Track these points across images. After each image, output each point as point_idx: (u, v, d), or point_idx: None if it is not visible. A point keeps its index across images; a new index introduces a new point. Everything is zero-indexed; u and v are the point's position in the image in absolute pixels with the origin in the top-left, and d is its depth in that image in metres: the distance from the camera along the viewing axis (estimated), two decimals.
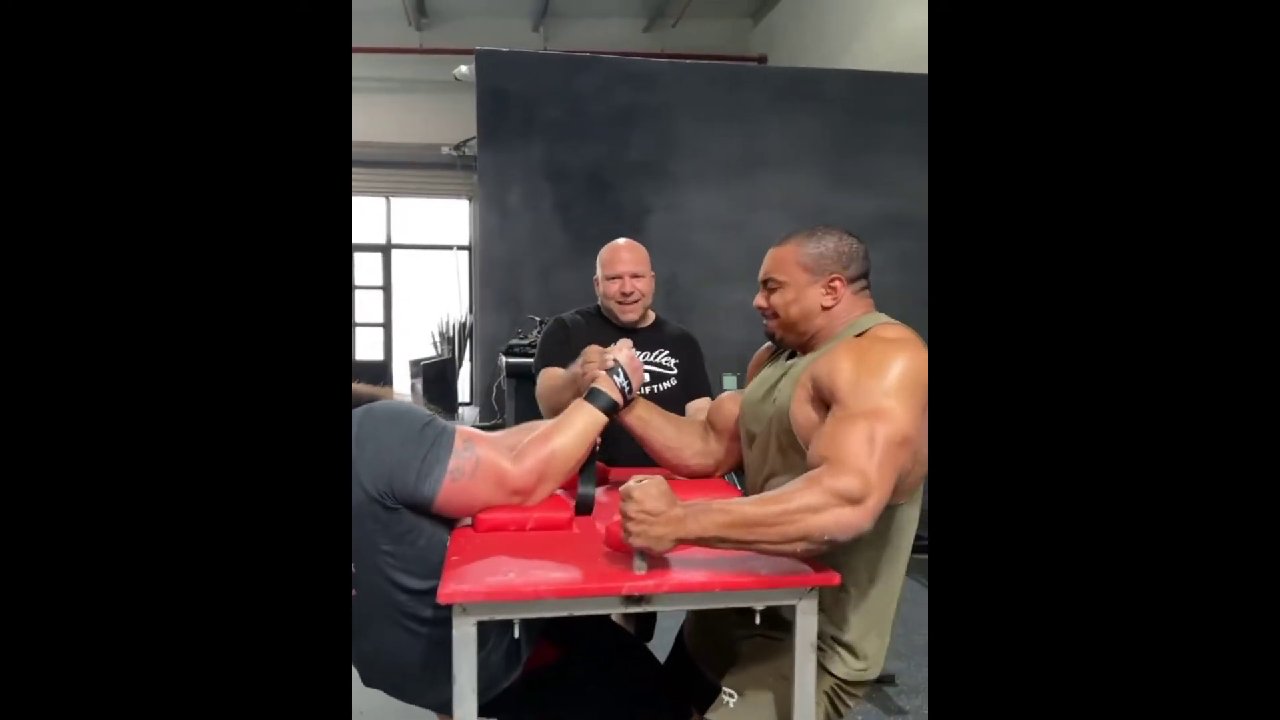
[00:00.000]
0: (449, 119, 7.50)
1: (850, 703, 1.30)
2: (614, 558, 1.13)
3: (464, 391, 8.39)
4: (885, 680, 2.62)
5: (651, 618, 2.31)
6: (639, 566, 1.07)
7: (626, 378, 1.45)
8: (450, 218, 9.29)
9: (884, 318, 1.33)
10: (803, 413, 1.25)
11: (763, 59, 8.14)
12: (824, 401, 1.22)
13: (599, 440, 1.45)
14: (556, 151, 3.95)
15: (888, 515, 1.24)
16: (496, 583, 1.03)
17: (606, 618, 1.52)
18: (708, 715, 1.25)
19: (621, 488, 1.08)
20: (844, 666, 1.27)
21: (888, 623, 1.30)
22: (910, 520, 1.29)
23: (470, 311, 8.34)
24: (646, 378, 2.05)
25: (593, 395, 1.41)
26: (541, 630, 1.33)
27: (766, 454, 1.36)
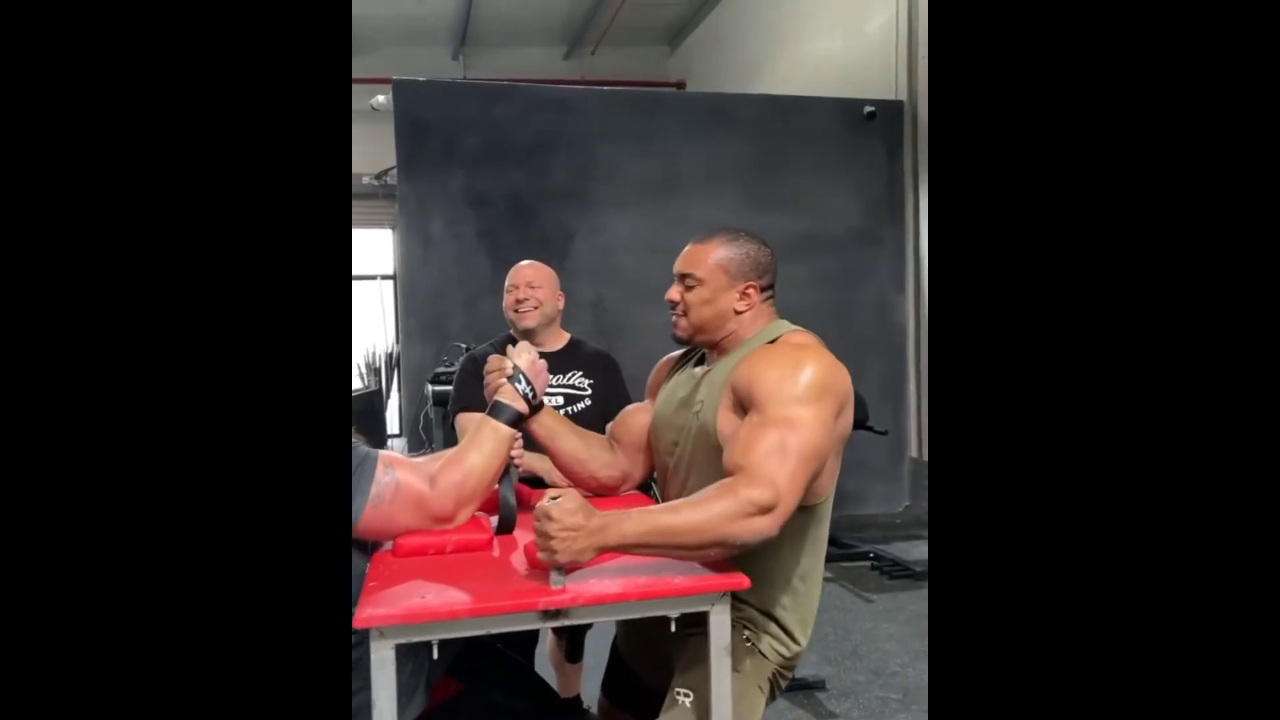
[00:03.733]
0: (369, 149, 7.41)
1: (783, 682, 1.38)
2: (532, 574, 1.15)
3: (393, 423, 8.25)
4: (816, 685, 2.67)
5: (580, 640, 2.32)
6: (556, 581, 1.09)
7: (528, 383, 1.41)
8: (373, 248, 9.19)
9: (790, 325, 1.40)
10: (726, 420, 1.31)
11: (681, 84, 8.30)
12: (743, 407, 1.28)
13: (519, 453, 1.46)
14: (477, 179, 3.96)
15: (808, 513, 1.32)
16: (413, 605, 1.04)
17: (503, 653, 1.53)
18: (662, 715, 1.26)
19: (537, 507, 1.10)
20: (783, 648, 1.35)
21: (813, 607, 1.39)
22: (826, 513, 1.37)
23: (396, 341, 8.22)
24: (560, 400, 2.07)
25: (496, 409, 1.39)
26: (446, 668, 1.34)
27: (686, 461, 1.40)
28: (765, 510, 1.13)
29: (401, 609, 1.03)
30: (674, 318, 1.44)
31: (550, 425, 1.52)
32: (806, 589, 1.37)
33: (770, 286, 1.43)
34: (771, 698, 1.37)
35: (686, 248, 1.45)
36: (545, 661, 2.29)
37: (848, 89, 4.79)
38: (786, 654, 1.35)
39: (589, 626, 2.16)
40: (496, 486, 1.38)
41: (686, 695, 1.26)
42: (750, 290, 1.39)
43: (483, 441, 1.35)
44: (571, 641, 2.28)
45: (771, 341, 1.36)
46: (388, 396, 8.41)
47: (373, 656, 1.02)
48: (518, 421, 1.40)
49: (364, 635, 1.03)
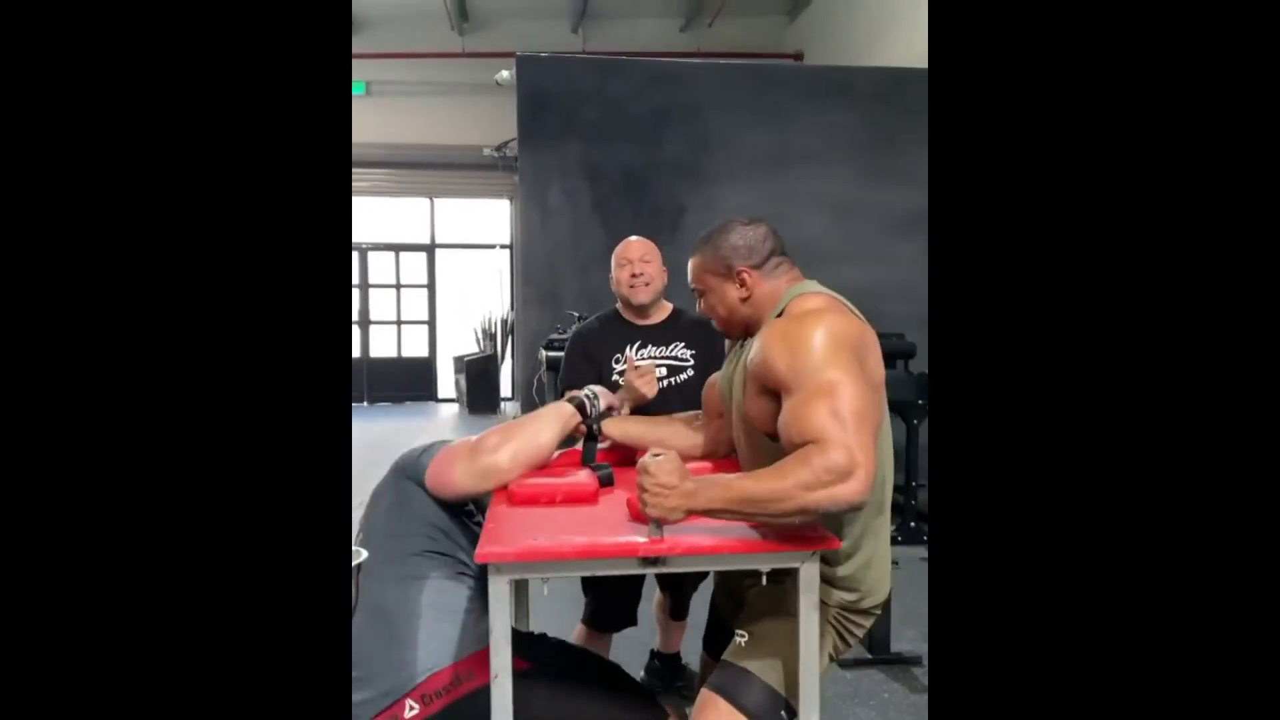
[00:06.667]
0: (491, 121, 7.68)
1: (857, 630, 1.39)
2: (633, 527, 1.24)
3: (505, 386, 8.57)
4: (912, 660, 2.69)
5: (686, 599, 2.41)
6: (655, 532, 1.18)
7: (595, 396, 1.67)
8: (492, 217, 9.49)
9: (805, 287, 1.39)
10: (754, 406, 1.33)
11: (798, 56, 8.17)
12: (770, 391, 1.28)
13: (598, 431, 1.64)
14: (594, 151, 4.07)
15: None
16: (527, 545, 1.15)
17: (565, 643, 1.68)
18: (724, 657, 1.35)
19: (639, 461, 1.19)
20: (841, 595, 1.35)
21: (884, 551, 1.38)
22: (885, 453, 1.33)
23: (512, 308, 8.51)
24: (664, 370, 2.15)
25: (571, 398, 1.67)
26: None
27: (734, 433, 1.48)
28: (845, 476, 1.11)
29: (517, 548, 1.14)
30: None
31: (626, 429, 1.70)
32: (870, 533, 1.35)
33: (770, 256, 1.41)
34: (841, 642, 1.38)
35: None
36: (650, 620, 2.39)
37: None
38: (847, 599, 1.35)
39: (694, 587, 2.26)
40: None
41: (743, 635, 1.34)
42: (744, 275, 1.40)
43: (540, 410, 1.60)
44: (676, 599, 2.37)
45: (779, 315, 1.35)
46: (502, 361, 8.73)
47: (490, 589, 1.14)
48: (579, 409, 1.62)
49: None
